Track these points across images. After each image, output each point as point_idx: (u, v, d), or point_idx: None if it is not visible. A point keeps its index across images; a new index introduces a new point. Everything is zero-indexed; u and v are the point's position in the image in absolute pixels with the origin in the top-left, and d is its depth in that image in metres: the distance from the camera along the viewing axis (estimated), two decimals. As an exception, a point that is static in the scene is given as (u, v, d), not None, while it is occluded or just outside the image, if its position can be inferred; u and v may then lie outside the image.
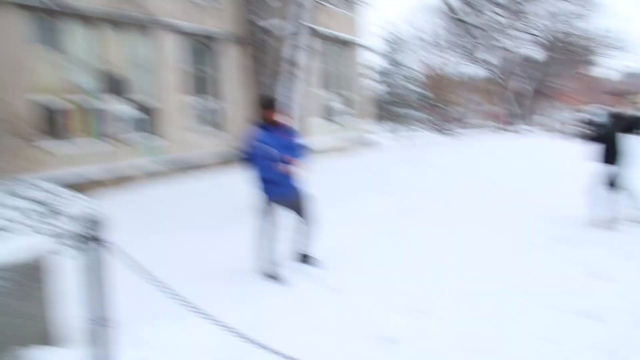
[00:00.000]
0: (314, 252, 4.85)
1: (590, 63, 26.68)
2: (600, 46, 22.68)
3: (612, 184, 5.41)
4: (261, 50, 7.86)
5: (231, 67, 16.37)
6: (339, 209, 6.64)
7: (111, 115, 10.83)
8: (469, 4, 10.64)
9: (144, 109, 11.77)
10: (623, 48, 22.51)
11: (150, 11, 10.27)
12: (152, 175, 11.57)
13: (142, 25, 11.10)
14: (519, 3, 10.77)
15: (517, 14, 11.96)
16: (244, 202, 6.73)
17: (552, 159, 11.82)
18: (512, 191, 8.19)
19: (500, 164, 11.21)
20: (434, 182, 9.68)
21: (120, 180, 10.63)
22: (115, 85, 10.76)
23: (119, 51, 11.06)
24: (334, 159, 13.30)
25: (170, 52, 13.09)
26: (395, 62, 25.32)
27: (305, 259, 4.85)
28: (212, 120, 15.77)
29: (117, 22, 10.68)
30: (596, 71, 30.71)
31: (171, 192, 9.85)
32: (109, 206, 7.26)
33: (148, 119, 11.95)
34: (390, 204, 7.81)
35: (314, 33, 14.94)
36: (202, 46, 15.07)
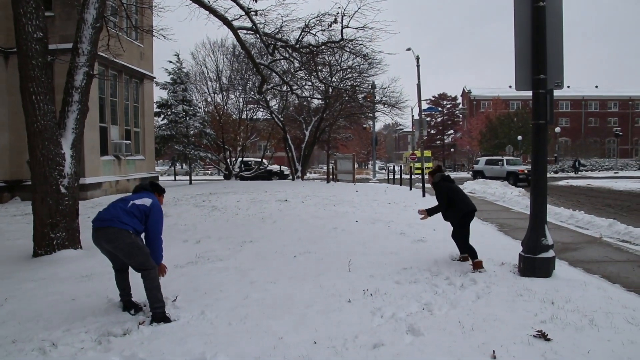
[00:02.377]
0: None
1: (365, 116, 29.69)
2: (374, 101, 25.31)
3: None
4: (42, 71, 6.35)
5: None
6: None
7: None
8: (267, 45, 10.62)
9: None
10: (395, 105, 25.45)
11: None
12: None
13: None
14: (313, 52, 11.17)
15: (309, 62, 12.44)
16: None
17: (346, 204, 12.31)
18: (309, 239, 8.07)
19: (290, 210, 11.22)
20: (225, 226, 9.10)
21: None
22: None
23: None
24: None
25: None
26: (180, 98, 24.26)
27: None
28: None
29: None
30: (369, 124, 34.59)
31: None
32: None
33: None
34: (187, 251, 6.94)
35: (102, 60, 13.22)
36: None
